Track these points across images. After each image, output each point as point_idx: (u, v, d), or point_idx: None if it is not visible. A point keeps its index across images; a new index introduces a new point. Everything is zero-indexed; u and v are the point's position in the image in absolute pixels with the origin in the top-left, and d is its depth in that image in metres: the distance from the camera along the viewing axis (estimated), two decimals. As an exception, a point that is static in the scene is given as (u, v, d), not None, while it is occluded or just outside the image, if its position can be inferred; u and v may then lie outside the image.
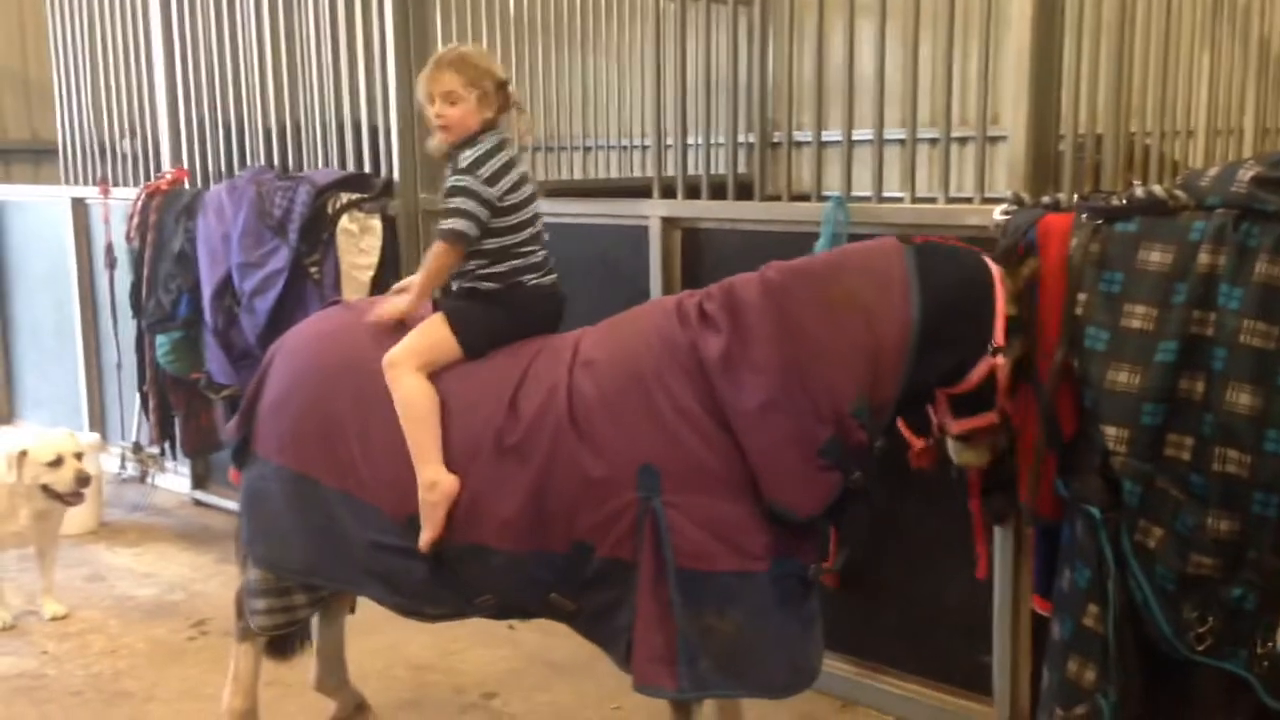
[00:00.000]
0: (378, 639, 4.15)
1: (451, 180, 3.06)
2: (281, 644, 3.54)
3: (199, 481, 5.92)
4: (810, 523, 2.80)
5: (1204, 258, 2.64)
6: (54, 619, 4.49)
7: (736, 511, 2.74)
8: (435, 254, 3.08)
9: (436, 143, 3.14)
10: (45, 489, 4.39)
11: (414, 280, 3.17)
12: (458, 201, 3.01)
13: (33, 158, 7.91)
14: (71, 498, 4.43)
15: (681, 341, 2.81)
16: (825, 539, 2.98)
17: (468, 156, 3.04)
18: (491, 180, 3.02)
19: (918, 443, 3.13)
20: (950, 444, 3.00)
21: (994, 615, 3.41)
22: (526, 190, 3.11)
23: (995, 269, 2.81)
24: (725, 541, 2.73)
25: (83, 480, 4.41)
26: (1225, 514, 2.61)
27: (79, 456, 4.45)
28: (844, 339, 2.71)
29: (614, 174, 6.33)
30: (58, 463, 4.37)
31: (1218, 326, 2.62)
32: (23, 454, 4.34)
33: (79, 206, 6.30)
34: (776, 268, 2.84)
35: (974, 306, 2.78)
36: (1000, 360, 2.81)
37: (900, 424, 3.13)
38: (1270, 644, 2.57)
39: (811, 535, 2.87)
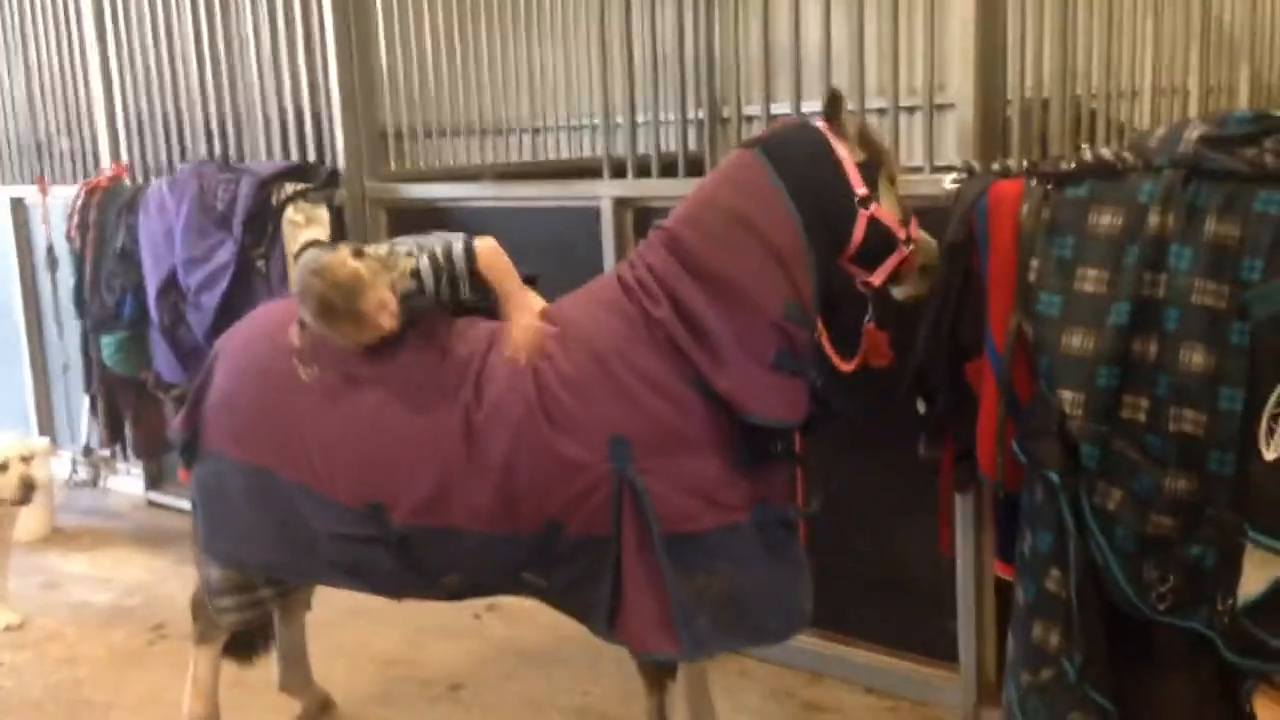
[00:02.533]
0: (342, 635, 4.11)
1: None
2: (244, 647, 3.50)
3: (153, 482, 5.83)
4: (788, 435, 2.88)
5: (1153, 219, 2.64)
6: (9, 629, 4.41)
7: (710, 467, 2.79)
8: None
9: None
10: None
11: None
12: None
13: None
14: (18, 503, 4.34)
15: (632, 311, 2.84)
16: (794, 479, 3.03)
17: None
18: None
19: (846, 366, 3.13)
20: (893, 291, 3.07)
21: (958, 582, 3.43)
22: None
23: (822, 126, 2.92)
24: (705, 499, 2.77)
25: (28, 485, 4.32)
26: (1183, 473, 2.61)
27: (26, 460, 4.36)
28: (744, 257, 2.80)
29: (565, 155, 6.27)
30: (3, 468, 4.28)
31: (1169, 287, 2.61)
32: None
33: (17, 206, 6.16)
34: (670, 219, 2.92)
35: (827, 174, 2.88)
36: (872, 208, 2.90)
37: (827, 348, 3.13)
38: (1230, 600, 2.59)
39: (784, 474, 2.95)
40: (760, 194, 2.82)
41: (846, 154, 2.89)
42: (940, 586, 3.47)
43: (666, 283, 2.81)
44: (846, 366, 3.15)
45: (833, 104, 2.92)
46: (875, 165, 2.93)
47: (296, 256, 3.18)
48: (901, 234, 2.95)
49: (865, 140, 2.94)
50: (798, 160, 2.86)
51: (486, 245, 2.97)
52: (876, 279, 2.98)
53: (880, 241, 2.93)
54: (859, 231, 2.89)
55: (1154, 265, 2.64)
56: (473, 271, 2.94)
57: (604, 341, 2.83)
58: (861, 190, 2.88)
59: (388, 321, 2.86)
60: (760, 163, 2.85)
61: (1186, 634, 2.69)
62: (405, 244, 3.00)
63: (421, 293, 2.93)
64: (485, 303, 2.99)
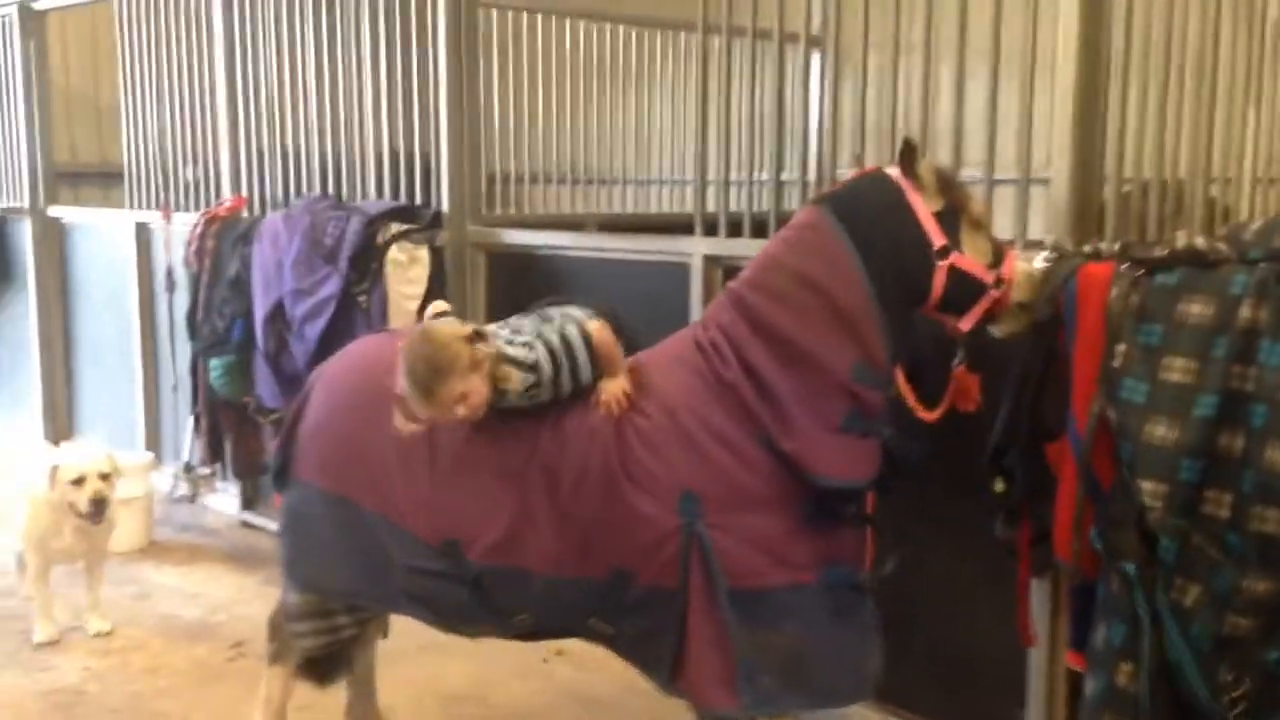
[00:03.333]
0: (412, 669, 4.17)
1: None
2: (324, 669, 3.57)
3: (248, 503, 6.00)
4: (859, 496, 2.89)
5: (1245, 312, 2.59)
6: (98, 635, 4.57)
7: (779, 526, 2.80)
8: None
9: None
10: (71, 506, 4.43)
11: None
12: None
13: (102, 181, 8.11)
14: (89, 518, 4.43)
15: (706, 371, 2.86)
16: (865, 541, 3.01)
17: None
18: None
19: (929, 415, 3.10)
20: (991, 330, 2.99)
21: (1029, 669, 3.35)
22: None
23: (894, 174, 2.86)
24: (772, 556, 2.79)
25: (97, 502, 4.39)
26: (1263, 575, 2.53)
27: (105, 477, 4.44)
28: (810, 319, 2.79)
29: (667, 207, 6.37)
30: (80, 481, 4.40)
31: (1258, 382, 2.55)
32: (54, 469, 4.41)
33: (142, 230, 6.45)
34: (738, 280, 2.94)
35: (900, 228, 2.83)
36: (952, 257, 2.83)
37: (910, 398, 3.10)
38: (1308, 711, 2.50)
39: (854, 537, 2.95)
40: (826, 253, 2.82)
41: (922, 205, 2.84)
42: (1012, 671, 3.39)
43: (736, 344, 2.83)
44: (930, 415, 3.13)
45: (907, 155, 2.87)
46: (956, 211, 2.87)
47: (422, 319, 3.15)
48: (989, 278, 2.88)
49: (944, 187, 2.88)
50: (868, 216, 2.84)
51: (600, 328, 2.95)
52: (966, 325, 2.93)
53: (966, 289, 2.88)
54: (939, 283, 2.85)
55: (1244, 359, 2.58)
56: (592, 355, 2.92)
57: (679, 399, 2.86)
58: (940, 241, 2.83)
59: (461, 413, 2.81)
60: (828, 220, 2.84)
61: (1261, 741, 2.60)
62: (524, 331, 2.96)
63: (538, 385, 2.88)
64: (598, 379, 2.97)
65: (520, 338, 2.94)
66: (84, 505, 4.40)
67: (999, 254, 2.92)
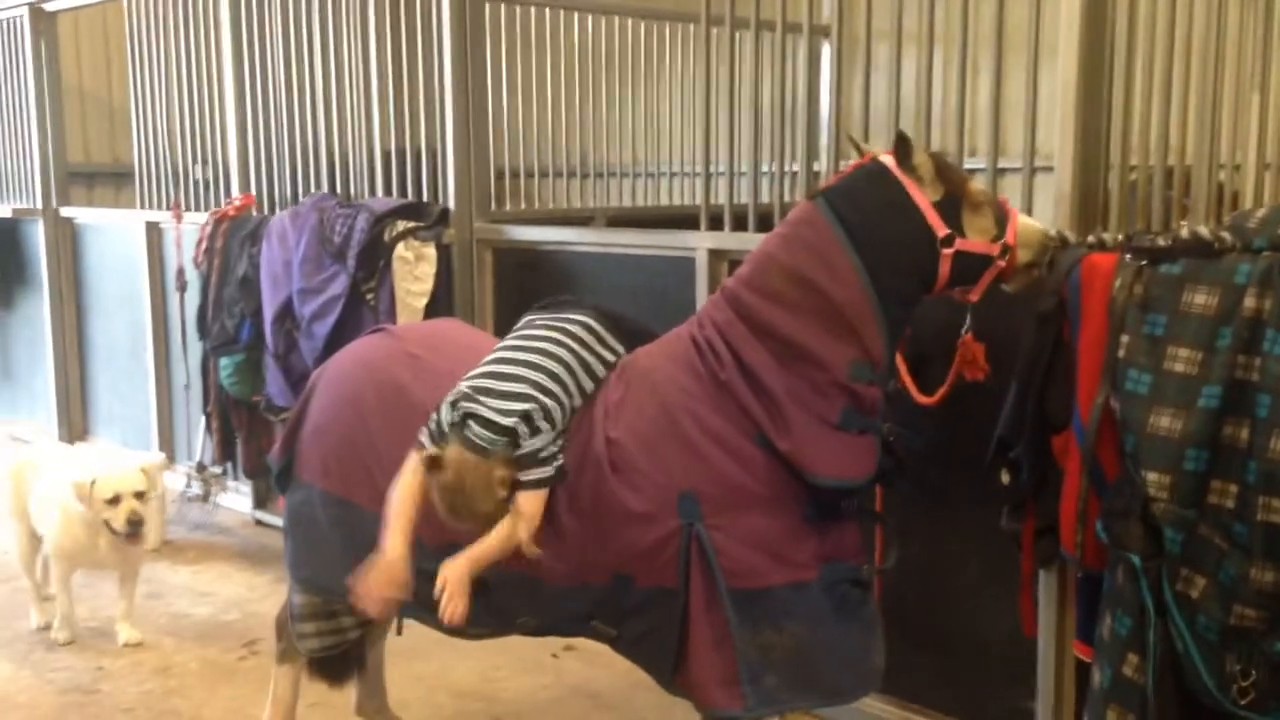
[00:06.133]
0: (422, 665, 4.18)
1: None
2: (334, 669, 3.58)
3: (260, 501, 6.02)
4: (860, 491, 2.86)
5: (1250, 301, 2.56)
6: (127, 645, 4.52)
7: (778, 525, 2.78)
8: None
9: None
10: (106, 524, 4.37)
11: None
12: None
13: (114, 180, 8.17)
14: (127, 538, 4.37)
15: (702, 370, 2.84)
16: (870, 537, 3.00)
17: None
18: None
19: (927, 400, 3.12)
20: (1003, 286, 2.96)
21: (1038, 660, 3.33)
22: None
23: (888, 163, 2.82)
24: (772, 556, 2.77)
25: (134, 522, 4.33)
26: (1270, 565, 2.51)
27: (139, 495, 4.37)
28: (806, 318, 2.75)
29: (678, 200, 6.36)
30: (115, 500, 4.33)
31: (1263, 372, 2.52)
32: (90, 485, 4.32)
33: (153, 230, 6.47)
34: (734, 277, 2.91)
35: (900, 223, 2.78)
36: (956, 244, 2.79)
37: (911, 386, 3.13)
38: (1316, 703, 2.47)
39: (855, 532, 2.92)
40: (822, 250, 2.78)
41: (922, 197, 2.79)
42: (1020, 663, 3.37)
43: (732, 344, 2.81)
44: (931, 399, 3.10)
45: (902, 148, 2.81)
46: (956, 197, 2.83)
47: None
48: (994, 249, 2.83)
49: (941, 174, 2.83)
50: (865, 211, 2.79)
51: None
52: (974, 296, 2.91)
53: (972, 267, 2.85)
54: (944, 270, 2.82)
55: (1248, 348, 2.56)
56: (584, 366, 2.93)
57: (675, 399, 2.84)
58: (943, 231, 2.79)
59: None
60: (824, 217, 2.79)
61: (1268, 732, 2.58)
62: (514, 390, 2.87)
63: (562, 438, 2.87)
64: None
65: (517, 403, 2.84)
66: (120, 525, 4.32)
67: (1002, 223, 2.86)
